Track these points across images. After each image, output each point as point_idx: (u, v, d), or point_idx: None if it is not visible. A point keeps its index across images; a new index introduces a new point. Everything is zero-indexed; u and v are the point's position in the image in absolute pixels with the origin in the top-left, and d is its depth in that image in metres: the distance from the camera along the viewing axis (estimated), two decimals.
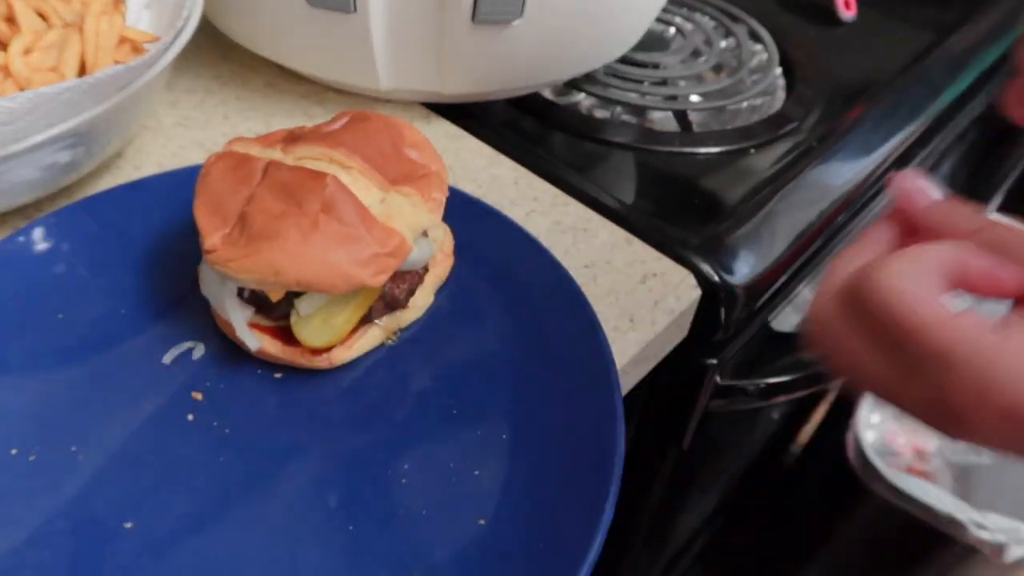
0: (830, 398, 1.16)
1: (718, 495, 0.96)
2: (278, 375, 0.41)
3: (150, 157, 0.55)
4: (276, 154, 0.39)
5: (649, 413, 0.62)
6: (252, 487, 0.36)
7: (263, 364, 0.41)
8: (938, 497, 0.97)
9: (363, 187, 0.38)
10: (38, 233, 0.45)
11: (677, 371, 0.58)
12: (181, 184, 0.48)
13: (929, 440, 1.13)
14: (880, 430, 1.11)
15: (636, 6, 0.61)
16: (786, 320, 0.66)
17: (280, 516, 0.35)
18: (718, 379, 0.60)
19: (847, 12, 0.84)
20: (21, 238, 0.45)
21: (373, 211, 0.37)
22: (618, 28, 0.62)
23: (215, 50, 0.66)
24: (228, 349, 0.42)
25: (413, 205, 0.39)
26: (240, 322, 0.39)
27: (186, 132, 0.57)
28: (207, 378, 0.40)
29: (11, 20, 0.46)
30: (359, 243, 0.36)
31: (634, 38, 0.65)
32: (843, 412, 1.11)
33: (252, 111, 0.60)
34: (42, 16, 0.47)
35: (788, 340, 0.67)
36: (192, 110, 0.59)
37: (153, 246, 0.46)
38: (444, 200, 0.41)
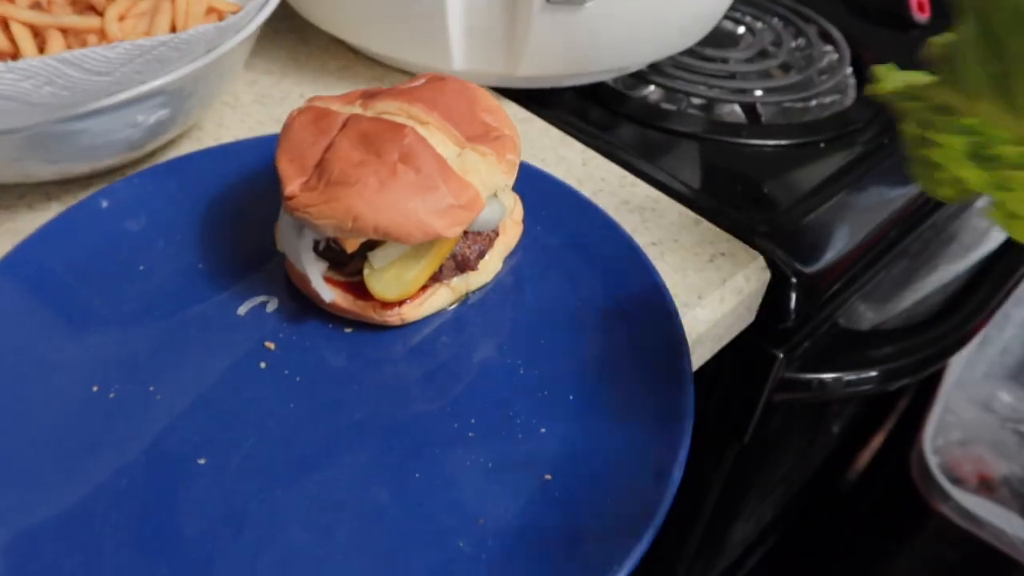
0: (890, 421, 1.12)
1: (775, 507, 0.93)
2: (348, 330, 0.41)
3: (228, 131, 0.57)
4: (356, 109, 0.40)
5: (713, 403, 0.61)
6: (320, 434, 0.37)
7: (334, 319, 0.42)
8: (1009, 520, 0.93)
9: (440, 141, 0.38)
10: (123, 191, 0.47)
11: (743, 359, 0.57)
12: (260, 150, 0.50)
13: (996, 467, 1.09)
14: (944, 455, 1.07)
15: None
16: (853, 317, 0.65)
17: (346, 462, 0.36)
18: (784, 371, 0.59)
19: (921, 15, 0.83)
20: (106, 196, 0.47)
21: (450, 164, 0.38)
22: (687, 18, 0.62)
23: (293, 33, 0.67)
24: (301, 304, 0.42)
25: (488, 164, 0.39)
26: (315, 274, 0.40)
27: (263, 109, 0.59)
28: (280, 330, 0.41)
29: None
30: (435, 193, 0.36)
31: (703, 30, 0.65)
32: (903, 436, 1.07)
33: (327, 91, 0.61)
34: None
35: (855, 337, 0.65)
36: (270, 89, 0.61)
37: (231, 207, 0.48)
38: (517, 163, 0.42)
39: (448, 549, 0.32)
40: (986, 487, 1.07)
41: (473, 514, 0.34)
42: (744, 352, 0.56)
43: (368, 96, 0.41)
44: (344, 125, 0.38)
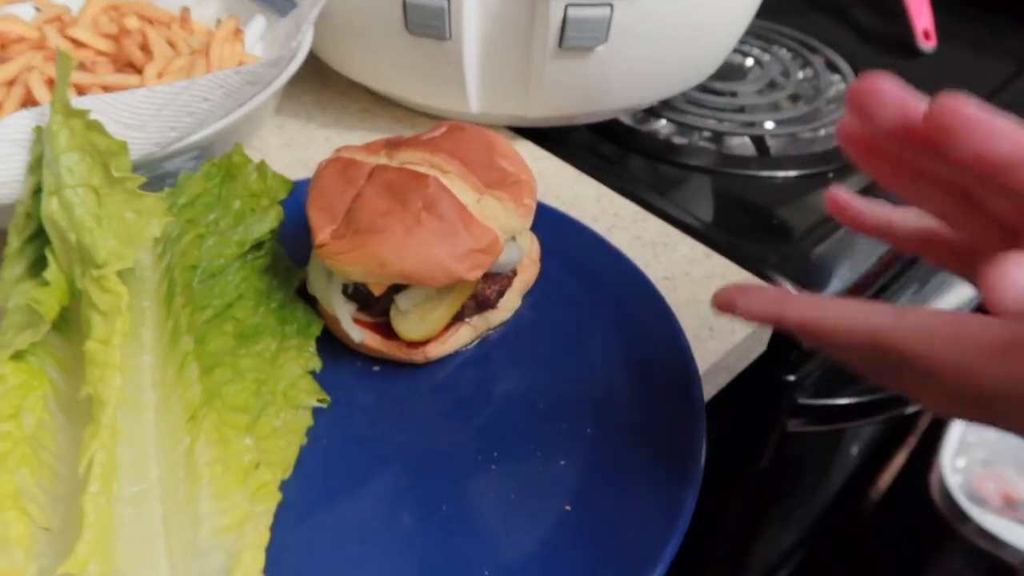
0: (911, 442, 1.13)
1: (796, 530, 0.94)
2: (376, 368, 0.44)
3: None
4: (381, 159, 0.42)
5: (729, 429, 0.63)
6: (350, 468, 0.39)
7: (363, 358, 0.44)
8: None
9: (460, 189, 0.41)
10: None
11: (756, 387, 0.58)
12: (289, 196, 0.52)
13: (1020, 487, 1.08)
14: (966, 475, 1.07)
15: (715, 36, 0.63)
16: None
17: (375, 494, 0.38)
18: (797, 397, 0.60)
19: (927, 43, 0.85)
20: None
21: (470, 210, 0.40)
22: (697, 56, 0.64)
23: (315, 78, 0.70)
24: (331, 345, 0.44)
25: (506, 209, 0.42)
26: (345, 316, 0.42)
27: (290, 152, 0.62)
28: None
29: (145, 48, 0.51)
30: (457, 238, 0.39)
31: (712, 66, 0.67)
32: (924, 457, 1.07)
33: (350, 133, 0.64)
34: (171, 45, 0.53)
35: None
36: (296, 133, 0.64)
37: None
38: (534, 207, 0.44)
39: None
40: (1010, 507, 1.06)
41: (498, 544, 0.36)
42: (758, 379, 0.58)
43: (392, 146, 0.43)
44: (370, 175, 0.41)
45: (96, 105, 0.39)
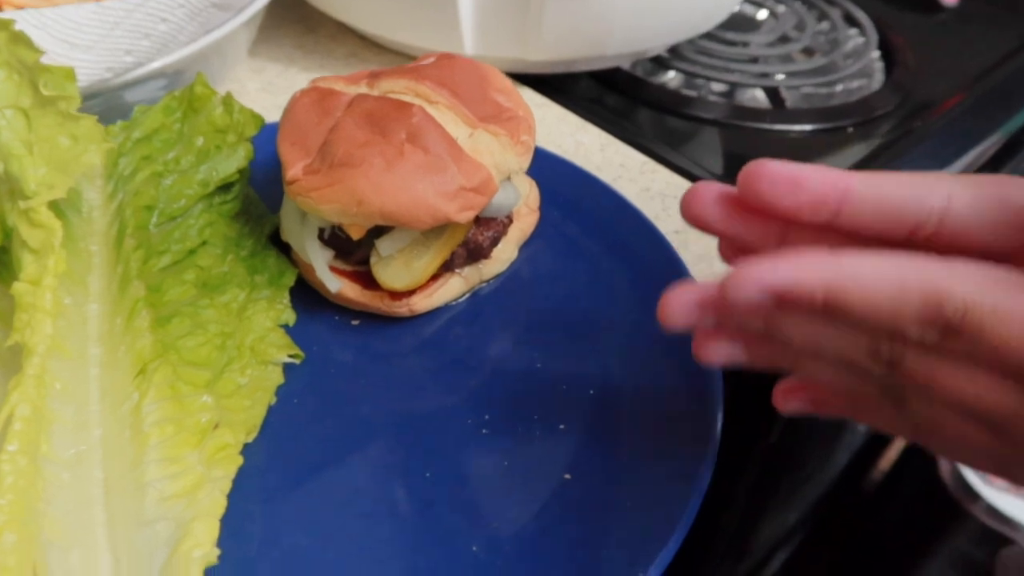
0: None
1: (803, 506, 0.90)
2: (355, 322, 0.39)
3: None
4: (362, 88, 0.38)
5: (736, 402, 0.59)
6: (325, 430, 0.35)
7: (341, 310, 0.40)
8: None
9: (450, 120, 0.36)
10: None
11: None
12: (264, 139, 0.48)
13: None
14: None
15: None
16: None
17: (352, 459, 0.34)
18: None
19: None
20: None
21: (460, 144, 0.36)
22: (704, 1, 0.59)
23: (300, 23, 0.66)
24: (307, 297, 0.40)
25: (501, 145, 0.37)
26: (321, 263, 0.38)
27: (269, 97, 0.57)
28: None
29: None
30: (445, 174, 0.34)
31: (722, 13, 0.63)
32: None
33: None
34: None
35: None
36: (275, 77, 0.59)
37: None
38: (532, 144, 0.39)
39: (460, 554, 0.30)
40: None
41: (487, 516, 0.32)
42: None
43: (375, 76, 0.39)
44: (349, 105, 0.36)
45: (36, 19, 0.34)
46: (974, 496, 0.96)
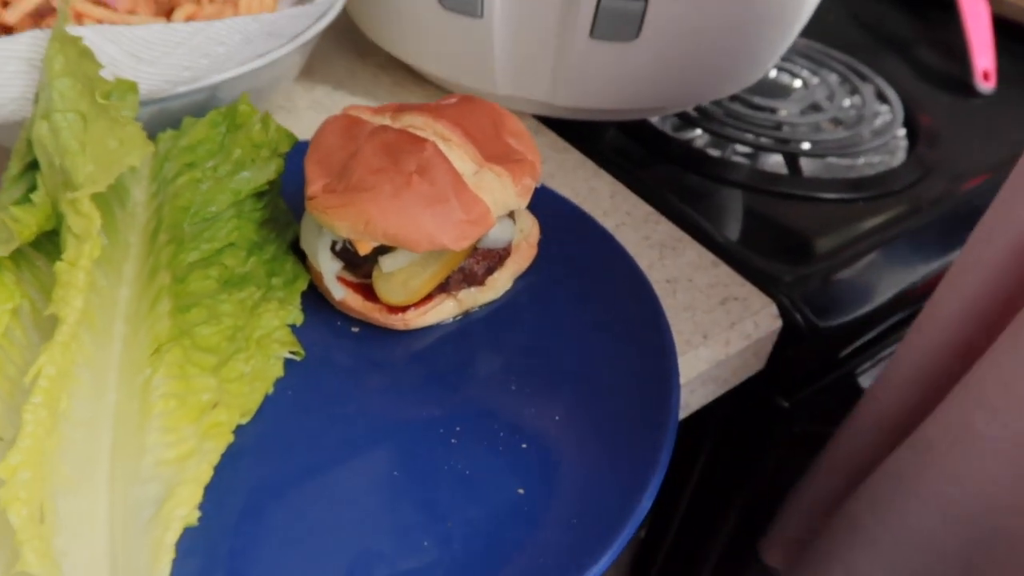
0: None
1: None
2: (355, 329, 0.43)
3: None
4: (385, 120, 0.42)
5: (726, 445, 0.61)
6: (311, 421, 0.38)
7: (345, 319, 0.44)
8: None
9: (458, 157, 0.40)
10: None
11: (752, 405, 0.57)
12: (301, 153, 0.52)
13: None
14: None
15: (752, 45, 0.61)
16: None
17: (330, 450, 0.37)
18: (793, 423, 0.58)
19: (985, 84, 0.82)
20: None
21: (465, 180, 0.39)
22: (733, 64, 0.63)
23: (353, 50, 0.71)
24: (316, 303, 0.44)
25: (503, 184, 0.41)
26: (329, 272, 0.42)
27: (315, 116, 0.62)
28: None
29: None
30: (446, 206, 0.38)
31: (750, 78, 0.66)
32: None
33: (378, 104, 0.64)
34: None
35: None
36: (323, 97, 0.64)
37: None
38: (533, 188, 0.43)
39: (412, 545, 0.34)
40: None
41: (442, 516, 0.35)
42: (753, 398, 0.56)
43: (399, 109, 0.43)
44: (371, 134, 0.41)
45: (110, 34, 0.39)
46: None
